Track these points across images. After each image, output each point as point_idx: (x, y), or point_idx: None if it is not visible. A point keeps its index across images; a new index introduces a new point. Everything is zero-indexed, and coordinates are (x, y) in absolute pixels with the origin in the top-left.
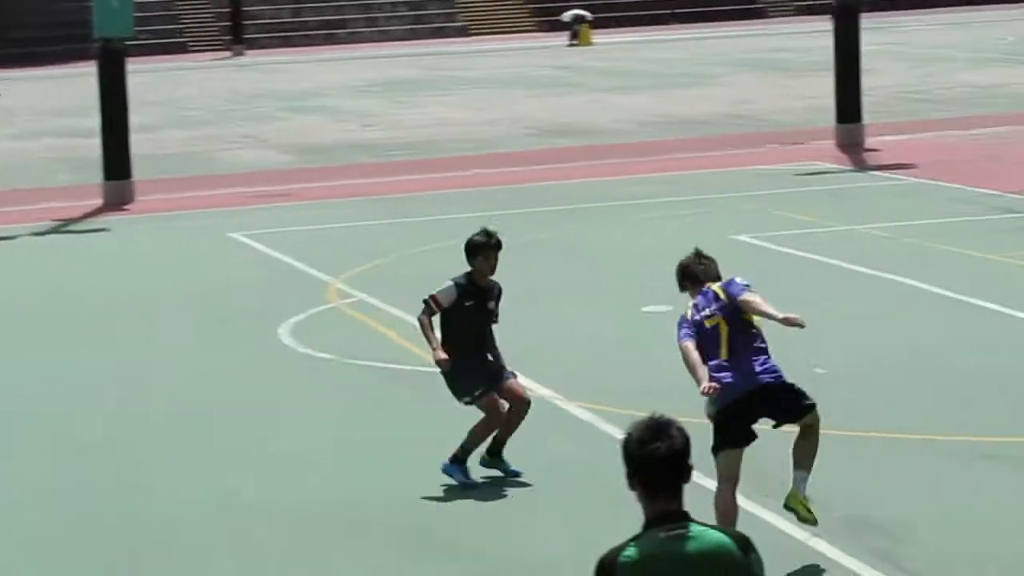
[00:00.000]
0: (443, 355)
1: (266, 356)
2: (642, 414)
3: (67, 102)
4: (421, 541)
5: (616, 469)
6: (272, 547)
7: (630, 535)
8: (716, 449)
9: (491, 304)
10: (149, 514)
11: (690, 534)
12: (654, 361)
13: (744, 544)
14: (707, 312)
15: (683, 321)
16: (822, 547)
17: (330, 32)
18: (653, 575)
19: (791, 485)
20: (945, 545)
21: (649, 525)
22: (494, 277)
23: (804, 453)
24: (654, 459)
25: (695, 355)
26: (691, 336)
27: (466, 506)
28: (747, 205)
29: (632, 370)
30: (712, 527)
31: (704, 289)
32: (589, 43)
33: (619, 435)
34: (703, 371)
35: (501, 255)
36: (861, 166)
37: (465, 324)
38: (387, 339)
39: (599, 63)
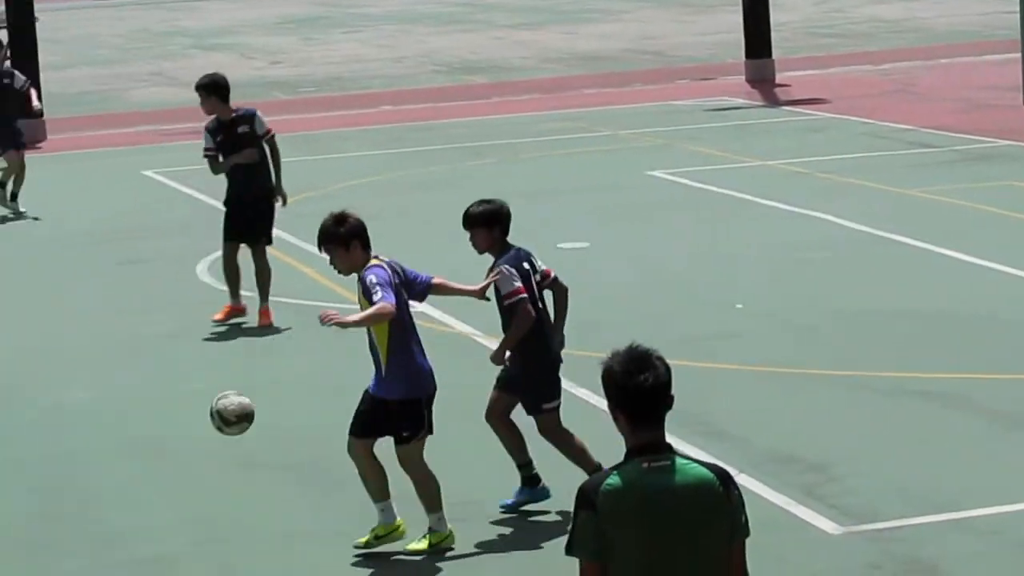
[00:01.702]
0: None
1: (185, 293)
2: (569, 352)
3: None
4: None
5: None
6: (176, 482)
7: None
8: None
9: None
10: (66, 453)
11: (672, 466)
12: (574, 297)
13: (725, 479)
14: None
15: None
16: (748, 482)
17: None
18: (635, 504)
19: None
20: (872, 480)
21: (631, 455)
22: None
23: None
24: (642, 390)
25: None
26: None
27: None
28: (659, 140)
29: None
30: (696, 460)
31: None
32: None
33: None
34: None
35: (413, 189)
36: (772, 101)
37: None
38: (304, 276)
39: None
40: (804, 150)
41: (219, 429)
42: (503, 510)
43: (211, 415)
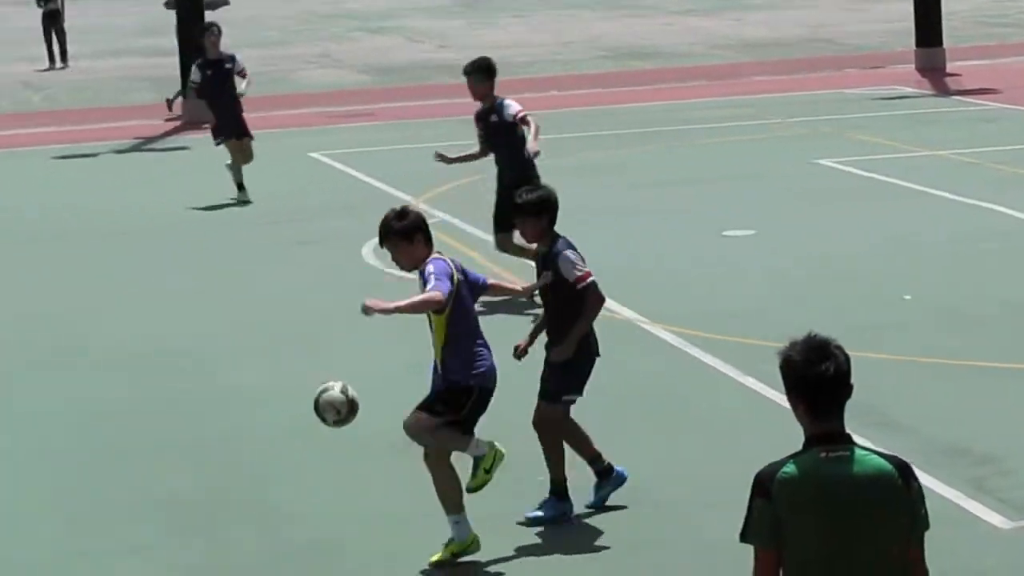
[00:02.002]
0: None
1: (350, 274)
2: (728, 338)
3: (142, 23)
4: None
5: (701, 389)
6: (345, 465)
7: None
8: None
9: None
10: (240, 433)
11: (851, 456)
12: (737, 285)
13: (905, 471)
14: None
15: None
16: (919, 476)
17: None
18: (812, 493)
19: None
20: None
21: (810, 444)
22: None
23: None
24: (823, 380)
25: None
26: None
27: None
28: (826, 128)
29: (716, 294)
30: (874, 451)
31: None
32: None
33: (705, 358)
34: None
35: (578, 176)
36: (942, 91)
37: None
38: (472, 260)
39: None
40: (975, 140)
41: (333, 421)
42: (590, 507)
43: (325, 406)
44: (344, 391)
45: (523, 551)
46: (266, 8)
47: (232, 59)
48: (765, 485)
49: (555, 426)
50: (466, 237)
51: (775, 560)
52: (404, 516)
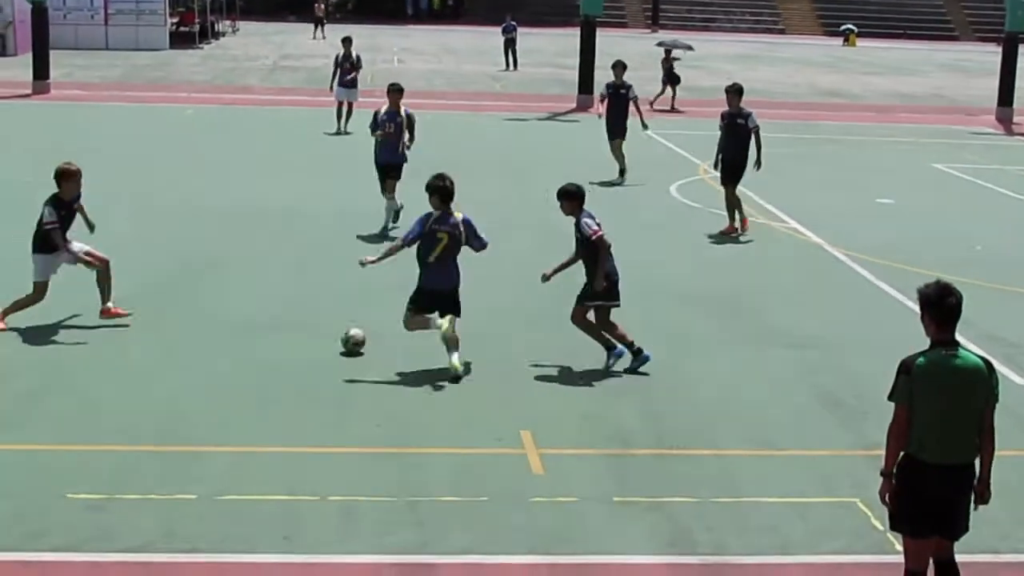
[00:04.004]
0: None
1: (663, 203)
2: (877, 260)
3: (560, 48)
4: None
5: (859, 287)
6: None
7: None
8: None
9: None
10: None
11: (959, 354)
12: (883, 230)
13: (989, 365)
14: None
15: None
16: (1008, 375)
17: (708, 20)
18: (934, 376)
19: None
20: None
21: (934, 346)
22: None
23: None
24: (949, 307)
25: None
26: (413, 235)
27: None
28: (940, 146)
29: (871, 234)
30: (971, 353)
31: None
32: (854, 45)
33: (861, 271)
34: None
35: (800, 160)
36: (1012, 132)
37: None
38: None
39: (858, 57)
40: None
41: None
42: (613, 362)
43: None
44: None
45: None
46: (625, 47)
47: (628, 86)
48: (908, 366)
49: (579, 318)
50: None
51: (907, 413)
52: None
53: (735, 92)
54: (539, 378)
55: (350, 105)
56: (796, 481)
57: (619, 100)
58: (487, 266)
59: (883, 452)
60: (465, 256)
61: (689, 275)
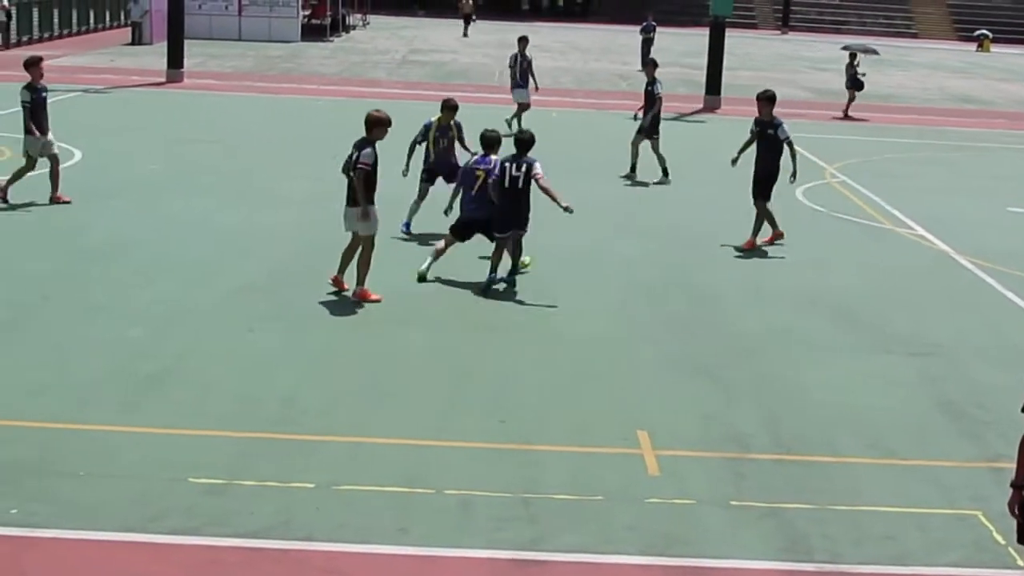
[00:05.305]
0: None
1: (790, 206)
2: (1004, 269)
3: (687, 48)
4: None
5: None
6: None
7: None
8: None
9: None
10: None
11: None
12: (1015, 238)
13: None
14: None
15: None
16: None
17: (840, 23)
18: None
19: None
20: None
21: None
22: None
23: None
24: None
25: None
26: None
27: None
28: None
29: (1001, 240)
30: None
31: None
32: (988, 51)
33: (988, 279)
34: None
35: (927, 164)
36: None
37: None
38: (858, 207)
39: (992, 63)
40: None
41: None
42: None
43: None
44: None
45: None
46: (755, 47)
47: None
48: None
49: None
50: (857, 192)
51: None
52: None
53: (767, 99)
54: (657, 379)
55: (519, 105)
56: (916, 491)
57: (649, 99)
58: (605, 269)
59: (1007, 464)
60: (585, 259)
61: (812, 280)
